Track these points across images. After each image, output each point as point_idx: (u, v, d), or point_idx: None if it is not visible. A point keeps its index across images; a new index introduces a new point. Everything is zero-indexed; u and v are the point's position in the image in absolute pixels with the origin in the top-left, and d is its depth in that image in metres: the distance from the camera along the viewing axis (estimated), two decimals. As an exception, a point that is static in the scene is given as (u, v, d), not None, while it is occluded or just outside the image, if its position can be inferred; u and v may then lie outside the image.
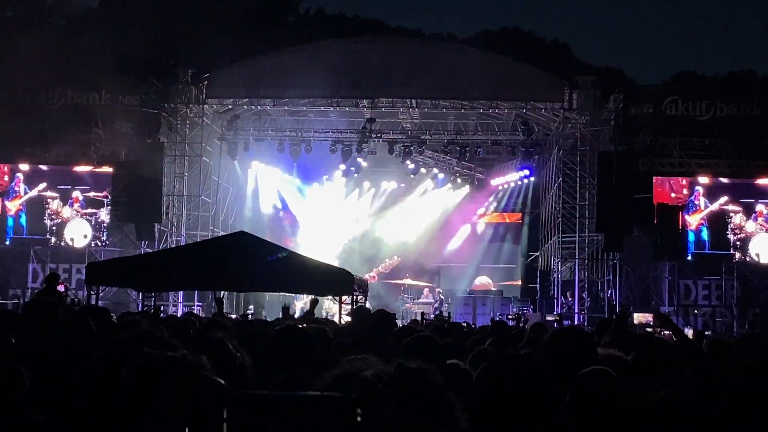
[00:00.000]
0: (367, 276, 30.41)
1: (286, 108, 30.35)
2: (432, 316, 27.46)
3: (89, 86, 28.51)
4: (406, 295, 32.98)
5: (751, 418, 4.63)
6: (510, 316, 24.12)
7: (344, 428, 1.92)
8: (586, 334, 5.28)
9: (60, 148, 27.94)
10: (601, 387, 4.05)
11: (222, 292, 19.04)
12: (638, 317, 21.66)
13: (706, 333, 18.93)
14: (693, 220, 28.89)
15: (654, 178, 28.75)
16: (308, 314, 14.50)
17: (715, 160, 28.98)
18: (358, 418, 1.93)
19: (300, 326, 5.98)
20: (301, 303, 28.06)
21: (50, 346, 5.65)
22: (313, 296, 15.62)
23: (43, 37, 25.35)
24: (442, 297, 31.48)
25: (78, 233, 28.76)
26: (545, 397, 3.79)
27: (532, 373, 3.90)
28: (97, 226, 29.08)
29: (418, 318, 19.82)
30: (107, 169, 28.86)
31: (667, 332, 8.47)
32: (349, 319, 18.52)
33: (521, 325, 17.66)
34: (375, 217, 36.47)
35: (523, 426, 3.67)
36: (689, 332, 15.20)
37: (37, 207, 29.46)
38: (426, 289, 32.50)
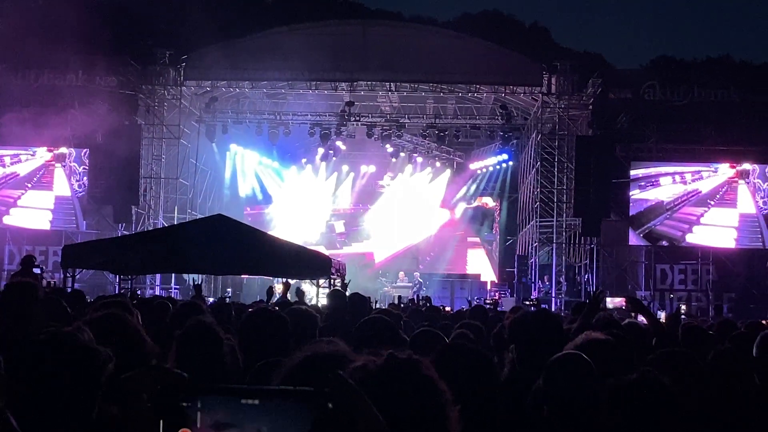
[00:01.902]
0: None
1: (264, 90, 30.26)
2: (397, 298, 27.60)
3: (66, 67, 28.27)
4: (383, 279, 33.02)
5: (723, 401, 4.69)
6: (487, 301, 24.23)
7: (316, 423, 1.95)
8: (552, 318, 5.29)
9: (36, 130, 27.69)
10: (573, 372, 4.07)
11: (200, 279, 19.01)
12: (611, 302, 21.79)
13: (683, 316, 19.09)
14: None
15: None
16: (284, 301, 14.49)
17: (692, 146, 29.12)
18: (329, 413, 1.96)
19: (273, 309, 5.98)
20: (281, 286, 28.04)
21: (27, 329, 5.63)
22: (286, 280, 15.61)
23: (18, 17, 25.04)
24: (421, 280, 31.53)
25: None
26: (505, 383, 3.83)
27: (484, 361, 3.93)
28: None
29: (395, 302, 19.91)
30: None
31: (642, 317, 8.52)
32: (325, 302, 18.58)
33: (497, 309, 17.73)
34: (353, 199, 36.43)
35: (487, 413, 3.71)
36: (662, 316, 15.34)
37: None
38: (401, 272, 32.51)
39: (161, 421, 1.97)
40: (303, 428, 1.96)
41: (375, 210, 36.22)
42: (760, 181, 28.74)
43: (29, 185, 29.56)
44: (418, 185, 35.73)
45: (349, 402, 2.05)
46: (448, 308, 20.28)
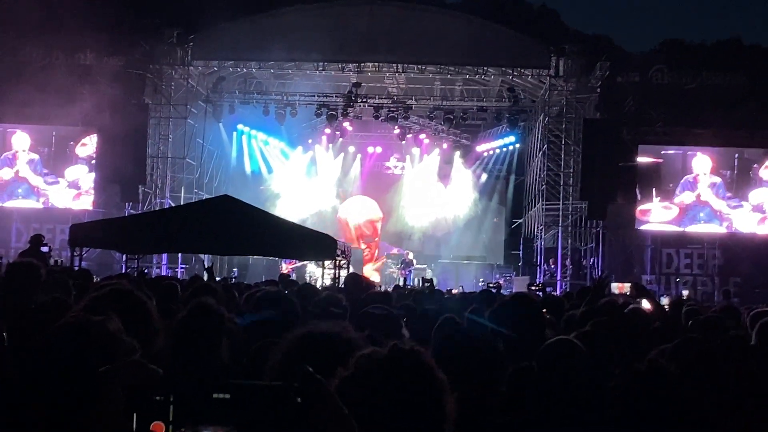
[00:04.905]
0: None
1: (271, 71, 30.22)
2: (402, 280, 27.68)
3: (74, 46, 28.27)
4: (390, 261, 33.07)
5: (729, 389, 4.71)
6: (490, 285, 24.24)
7: (285, 417, 2.01)
8: (530, 301, 5.34)
9: (44, 108, 27.75)
10: (565, 357, 4.12)
11: (211, 262, 19.10)
12: (616, 287, 21.82)
13: (684, 299, 19.10)
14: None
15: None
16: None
17: (700, 130, 29.01)
18: (298, 407, 2.02)
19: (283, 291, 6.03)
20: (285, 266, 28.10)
21: (30, 308, 5.68)
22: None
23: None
24: (412, 259, 31.55)
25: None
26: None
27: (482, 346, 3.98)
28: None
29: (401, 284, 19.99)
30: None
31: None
32: (328, 283, 18.68)
33: (500, 292, 17.74)
34: (359, 180, 36.38)
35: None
36: (665, 301, 15.35)
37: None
38: (410, 253, 32.51)
39: (135, 415, 2.02)
40: (273, 422, 2.01)
41: (381, 191, 36.18)
42: None
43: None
44: (424, 167, 35.69)
45: (317, 397, 2.12)
46: (455, 291, 20.32)
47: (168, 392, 2.04)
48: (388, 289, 17.97)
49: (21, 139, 29.43)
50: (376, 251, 35.34)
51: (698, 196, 28.70)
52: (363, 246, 34.26)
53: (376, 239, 35.41)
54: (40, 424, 2.40)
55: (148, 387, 2.06)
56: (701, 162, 28.87)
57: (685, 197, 28.75)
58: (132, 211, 27.36)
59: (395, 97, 31.14)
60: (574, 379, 3.99)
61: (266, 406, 2.03)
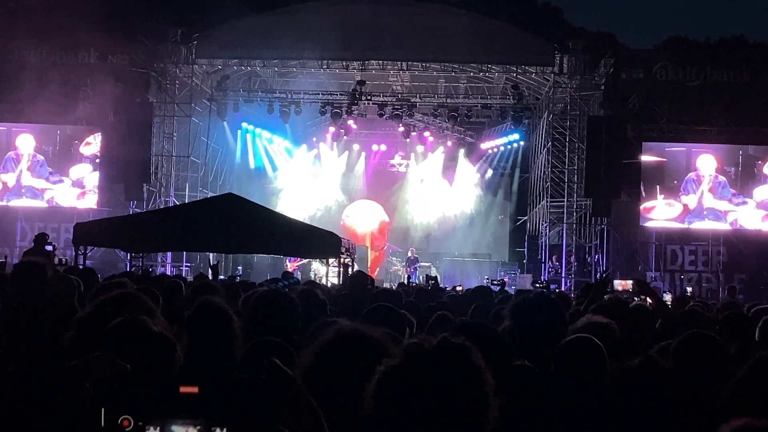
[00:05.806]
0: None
1: (276, 69, 30.23)
2: (406, 277, 27.71)
3: (77, 45, 28.30)
4: (394, 258, 33.05)
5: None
6: (495, 281, 24.22)
7: (252, 410, 2.04)
8: (552, 305, 5.31)
9: (48, 108, 27.79)
10: (585, 354, 4.12)
11: (217, 260, 19.15)
12: (618, 284, 21.81)
13: (688, 295, 19.09)
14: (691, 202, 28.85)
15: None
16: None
17: (704, 127, 29.00)
18: (265, 400, 2.05)
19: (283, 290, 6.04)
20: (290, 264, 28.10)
21: (36, 307, 5.71)
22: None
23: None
24: (417, 256, 31.54)
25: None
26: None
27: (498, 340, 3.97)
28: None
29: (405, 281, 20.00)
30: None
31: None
32: (335, 281, 18.71)
33: (505, 289, 17.74)
34: (364, 178, 36.34)
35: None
36: (668, 298, 15.35)
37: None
38: (413, 250, 32.50)
39: (103, 410, 2.04)
40: (240, 415, 2.04)
41: (385, 189, 36.14)
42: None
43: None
44: (428, 165, 35.64)
45: (285, 390, 2.14)
46: (459, 287, 20.33)
47: (137, 387, 2.07)
48: (392, 286, 18.02)
49: (25, 142, 29.47)
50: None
51: (701, 199, 28.68)
52: (376, 253, 34.30)
53: (386, 242, 35.48)
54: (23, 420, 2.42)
55: (116, 381, 2.09)
56: (706, 162, 28.83)
57: (690, 201, 28.74)
58: (136, 209, 27.39)
59: (399, 95, 31.14)
60: (593, 378, 3.98)
61: (234, 399, 2.06)
